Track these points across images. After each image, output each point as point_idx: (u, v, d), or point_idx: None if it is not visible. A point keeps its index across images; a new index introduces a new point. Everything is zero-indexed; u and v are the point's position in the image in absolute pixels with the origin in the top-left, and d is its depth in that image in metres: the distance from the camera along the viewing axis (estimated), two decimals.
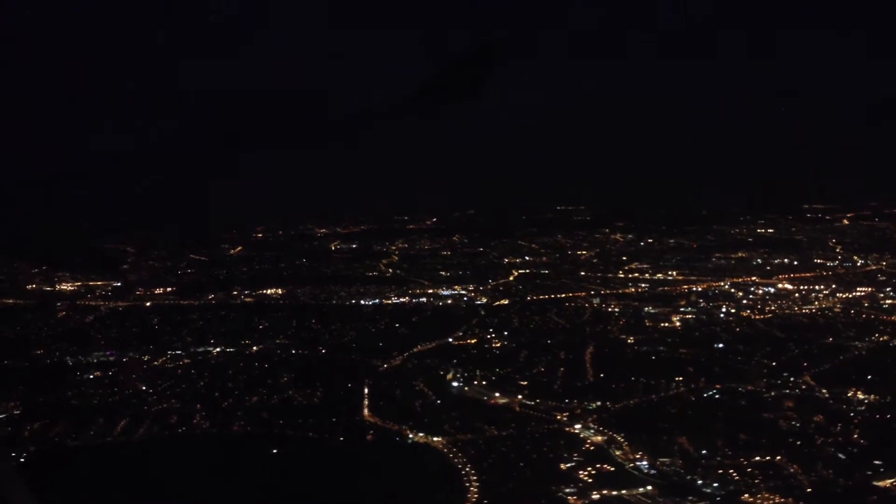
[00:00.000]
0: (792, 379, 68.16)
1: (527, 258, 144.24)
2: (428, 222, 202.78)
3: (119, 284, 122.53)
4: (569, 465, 53.22)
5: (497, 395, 68.09)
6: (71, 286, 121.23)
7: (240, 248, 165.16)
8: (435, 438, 59.04)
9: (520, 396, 67.13)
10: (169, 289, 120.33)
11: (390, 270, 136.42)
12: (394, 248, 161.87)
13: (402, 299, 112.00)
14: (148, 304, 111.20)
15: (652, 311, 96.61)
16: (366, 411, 65.23)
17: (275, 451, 57.35)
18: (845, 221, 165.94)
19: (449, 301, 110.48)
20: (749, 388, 66.57)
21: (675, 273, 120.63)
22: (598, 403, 64.09)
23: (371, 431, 60.96)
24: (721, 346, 79.87)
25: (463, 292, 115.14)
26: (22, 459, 55.73)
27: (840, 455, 53.55)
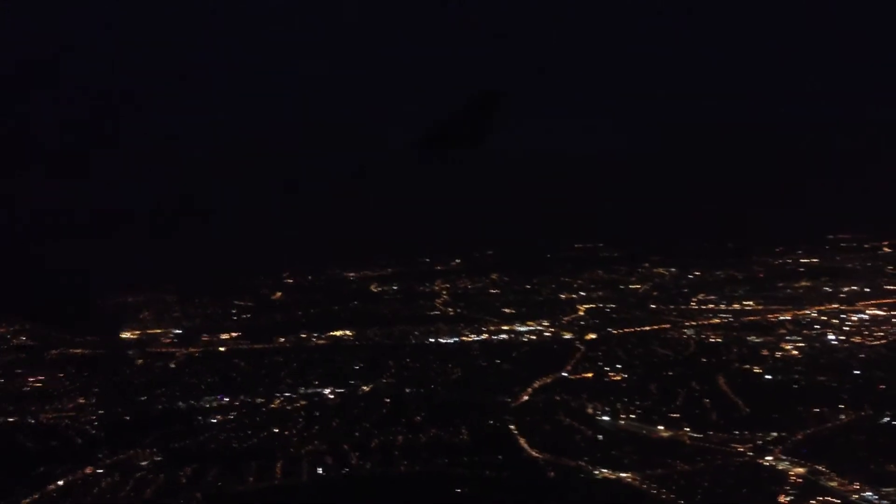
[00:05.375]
0: None
1: (582, 294, 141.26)
2: (453, 264, 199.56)
3: (181, 331, 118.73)
4: (789, 498, 49.93)
5: (660, 428, 64.85)
6: (131, 334, 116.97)
7: (279, 293, 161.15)
8: (622, 474, 55.58)
9: (687, 428, 63.90)
10: (234, 334, 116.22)
11: (450, 309, 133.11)
12: (437, 288, 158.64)
13: (481, 336, 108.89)
14: (221, 348, 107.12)
15: (757, 339, 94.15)
16: (528, 448, 61.59)
17: (458, 490, 53.53)
18: (886, 249, 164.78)
19: (533, 337, 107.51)
20: None
21: (751, 303, 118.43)
22: (775, 434, 60.98)
23: (550, 468, 57.20)
24: (858, 372, 77.31)
25: (540, 328, 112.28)
26: None
27: None
